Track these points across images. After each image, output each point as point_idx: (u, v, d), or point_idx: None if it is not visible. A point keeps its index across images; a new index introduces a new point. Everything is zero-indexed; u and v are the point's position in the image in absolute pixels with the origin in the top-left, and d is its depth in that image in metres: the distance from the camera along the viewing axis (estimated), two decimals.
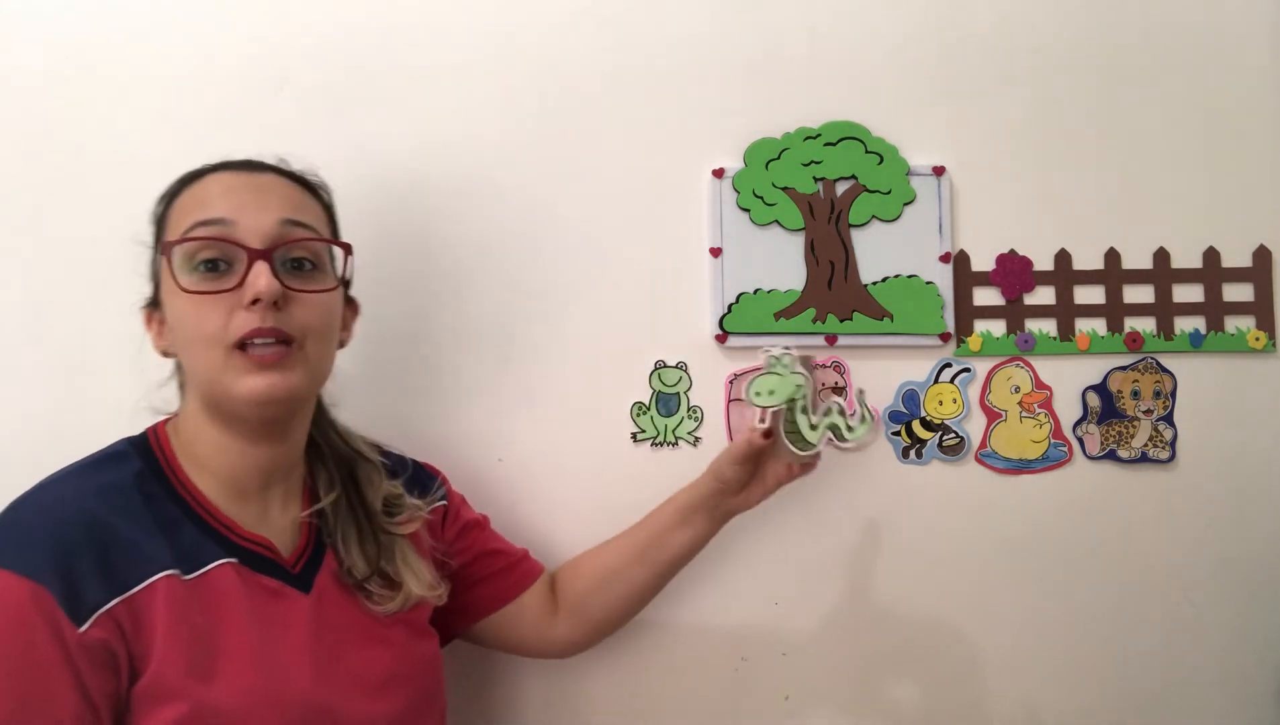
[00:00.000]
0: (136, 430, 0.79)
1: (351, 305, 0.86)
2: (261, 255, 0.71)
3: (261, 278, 0.70)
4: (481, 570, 0.93)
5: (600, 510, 1.05)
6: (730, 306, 1.05)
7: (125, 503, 0.69)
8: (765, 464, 0.91)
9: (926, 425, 1.06)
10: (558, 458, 1.05)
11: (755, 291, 1.05)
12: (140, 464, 0.73)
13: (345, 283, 0.82)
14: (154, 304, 0.77)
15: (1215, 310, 1.07)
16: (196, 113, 1.05)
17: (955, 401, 1.06)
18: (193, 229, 0.71)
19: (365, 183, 1.03)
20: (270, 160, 0.81)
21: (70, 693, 0.61)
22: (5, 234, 1.05)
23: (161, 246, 0.74)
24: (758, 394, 0.86)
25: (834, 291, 1.06)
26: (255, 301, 0.69)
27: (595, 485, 1.05)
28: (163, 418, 0.80)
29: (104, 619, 0.63)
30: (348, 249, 0.82)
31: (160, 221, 0.77)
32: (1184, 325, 1.07)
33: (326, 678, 0.71)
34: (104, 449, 0.75)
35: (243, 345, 0.70)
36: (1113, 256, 1.08)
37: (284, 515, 0.78)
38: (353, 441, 0.87)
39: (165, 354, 0.77)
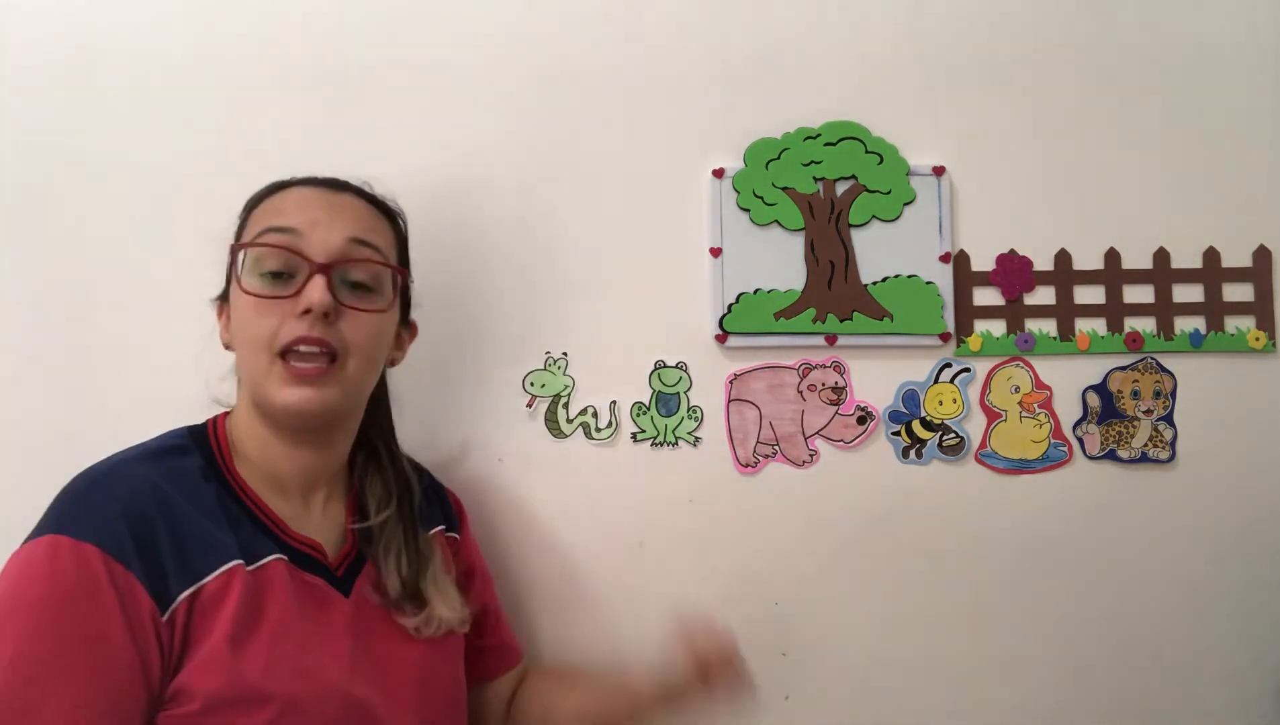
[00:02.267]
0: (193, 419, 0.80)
1: (409, 326, 0.90)
2: (322, 269, 0.74)
3: (316, 290, 0.73)
4: (477, 636, 0.90)
5: (600, 510, 1.05)
6: (730, 306, 1.05)
7: (195, 490, 0.71)
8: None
9: (926, 425, 1.06)
10: (558, 458, 1.05)
11: (755, 291, 1.05)
12: (200, 458, 0.74)
13: (405, 304, 0.86)
14: (224, 298, 0.80)
15: (1215, 310, 1.07)
16: (196, 113, 1.05)
17: (955, 401, 1.06)
18: (263, 234, 0.75)
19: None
20: (354, 182, 0.83)
21: (134, 673, 0.62)
22: (3, 235, 1.05)
23: (232, 246, 0.78)
24: (532, 384, 1.04)
25: (834, 291, 1.06)
26: (306, 311, 0.72)
27: (595, 485, 1.05)
28: (223, 411, 0.82)
29: (181, 605, 0.65)
30: (405, 274, 0.85)
31: (241, 224, 0.80)
32: (1184, 325, 1.07)
33: (365, 676, 0.73)
34: (161, 438, 0.76)
35: (285, 353, 0.72)
36: (1113, 256, 1.08)
37: (325, 518, 0.80)
38: (404, 461, 0.90)
39: (227, 347, 0.80)
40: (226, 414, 0.81)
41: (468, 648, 0.88)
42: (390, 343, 0.83)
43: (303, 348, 0.72)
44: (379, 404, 0.88)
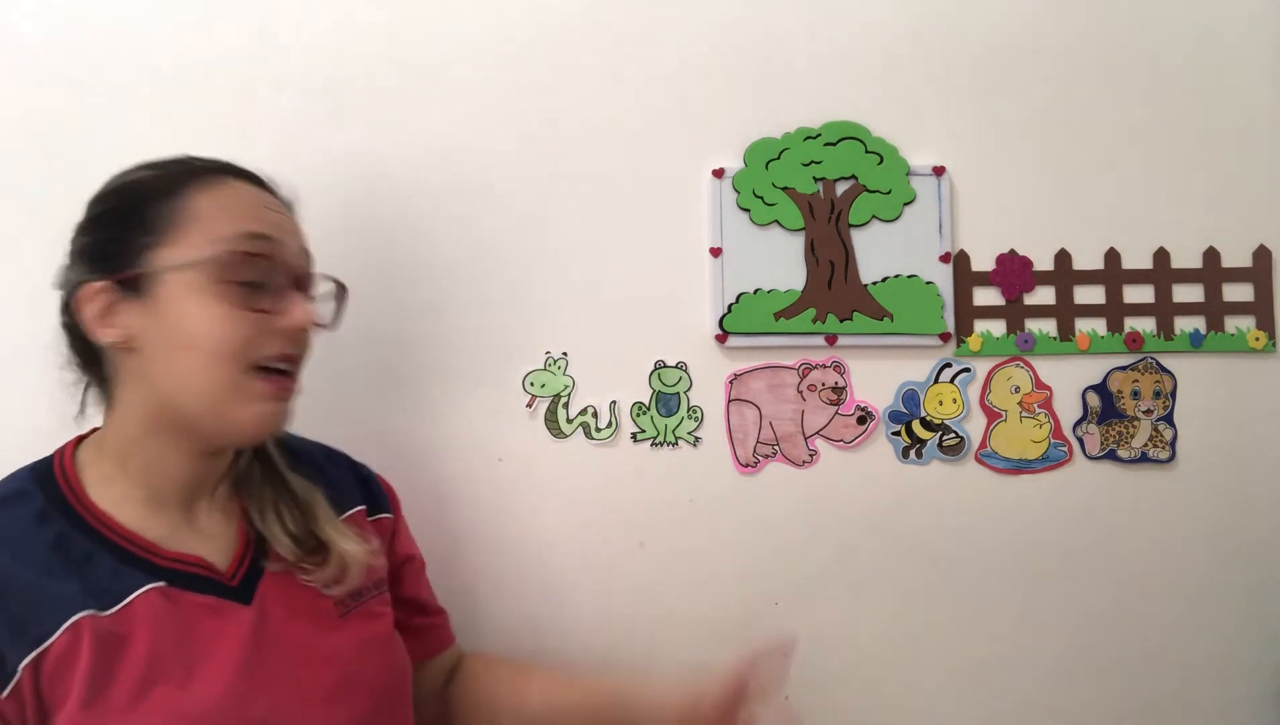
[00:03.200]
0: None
1: None
2: (300, 283, 0.72)
3: (306, 307, 0.71)
4: (403, 618, 0.84)
5: (600, 510, 1.05)
6: (730, 306, 1.05)
7: (26, 548, 0.64)
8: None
9: (926, 425, 1.06)
10: (558, 458, 1.05)
11: (755, 291, 1.05)
12: (41, 499, 0.67)
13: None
14: (124, 285, 0.67)
15: (1215, 310, 1.07)
16: (195, 114, 1.05)
17: (955, 401, 1.06)
18: (244, 240, 0.68)
19: (365, 183, 1.03)
20: (261, 176, 0.77)
21: None
22: (3, 235, 1.05)
23: (180, 238, 0.67)
24: (532, 384, 1.03)
25: (834, 291, 1.06)
26: (298, 328, 0.70)
27: (595, 485, 1.05)
28: (72, 436, 0.75)
29: (25, 675, 0.59)
30: (345, 292, 0.80)
31: (168, 207, 0.69)
32: (1184, 325, 1.07)
33: (267, 691, 0.67)
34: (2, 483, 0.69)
35: (261, 368, 0.69)
36: (1113, 256, 1.08)
37: (211, 525, 0.73)
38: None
39: (111, 345, 0.68)
40: (80, 438, 0.73)
41: (410, 628, 0.83)
42: None
43: (282, 364, 0.70)
44: None
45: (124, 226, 0.68)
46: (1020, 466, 1.06)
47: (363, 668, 0.74)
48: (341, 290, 0.79)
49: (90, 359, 0.72)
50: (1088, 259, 1.08)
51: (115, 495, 0.69)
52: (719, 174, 1.06)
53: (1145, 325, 1.07)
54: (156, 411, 0.68)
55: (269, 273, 0.70)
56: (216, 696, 0.64)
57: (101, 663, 0.61)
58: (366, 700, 0.73)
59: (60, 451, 0.72)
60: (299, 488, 0.77)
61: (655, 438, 1.06)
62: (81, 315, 0.68)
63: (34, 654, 0.60)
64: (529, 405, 1.05)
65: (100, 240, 0.69)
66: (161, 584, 0.66)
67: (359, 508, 0.84)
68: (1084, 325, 1.07)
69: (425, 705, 0.87)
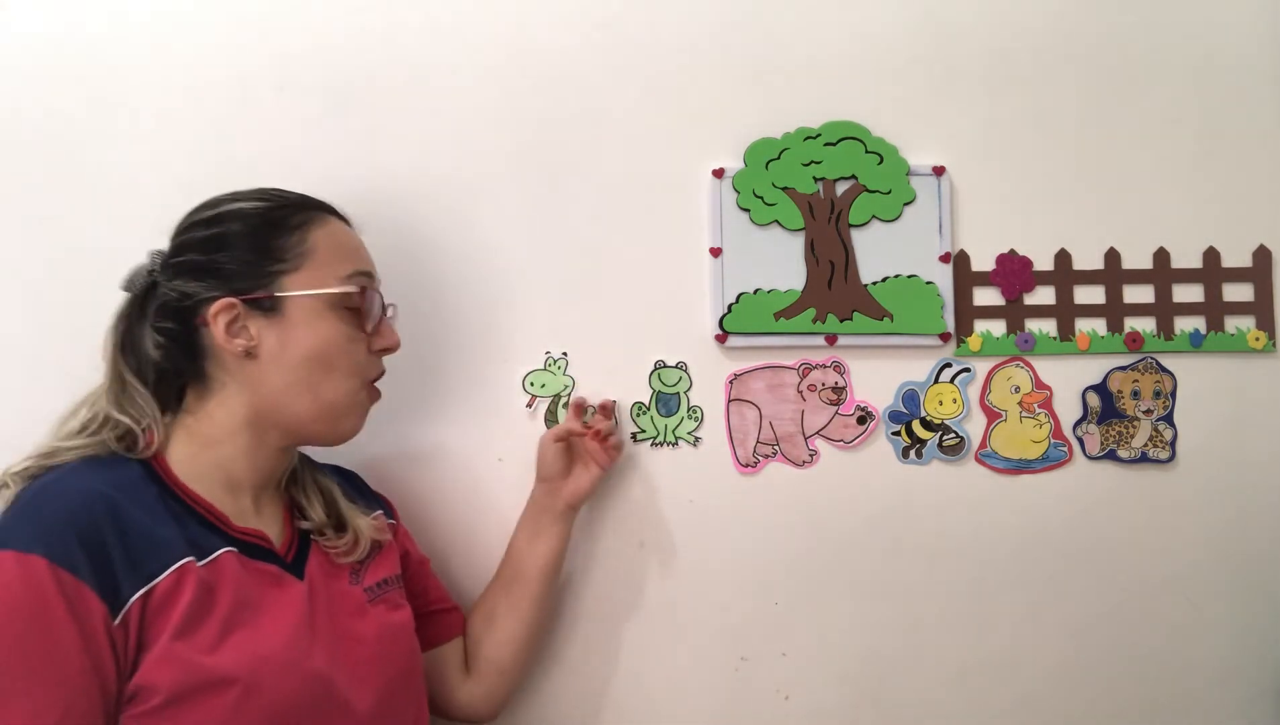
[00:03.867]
0: None
1: None
2: (386, 310, 0.87)
3: (394, 332, 0.87)
4: (422, 604, 0.94)
5: (600, 510, 1.05)
6: (730, 306, 1.05)
7: (140, 494, 0.72)
8: (581, 448, 0.99)
9: (926, 425, 1.06)
10: None
11: (755, 291, 1.05)
12: (138, 467, 0.75)
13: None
14: (252, 303, 0.78)
15: (1215, 310, 1.07)
16: (196, 115, 1.05)
17: (955, 401, 1.06)
18: (359, 277, 0.83)
19: (366, 183, 1.03)
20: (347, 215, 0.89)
21: (89, 680, 0.64)
22: (3, 235, 1.05)
23: (305, 267, 0.80)
24: (532, 384, 1.05)
25: (834, 291, 1.06)
26: (386, 351, 0.86)
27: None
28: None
29: (134, 607, 0.66)
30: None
31: (290, 241, 0.80)
32: (1184, 325, 1.07)
33: (324, 651, 0.75)
34: (93, 454, 0.76)
35: (368, 382, 0.85)
36: (1113, 256, 1.08)
37: (268, 513, 0.83)
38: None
39: (234, 353, 0.78)
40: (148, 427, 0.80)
41: (417, 617, 0.90)
42: None
43: (375, 383, 0.87)
44: None
45: (254, 251, 0.79)
46: (1020, 466, 1.06)
47: (387, 649, 0.82)
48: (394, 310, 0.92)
49: (192, 359, 0.80)
50: (1088, 259, 1.08)
51: (194, 473, 0.77)
52: (719, 174, 1.06)
53: (1145, 325, 1.07)
54: (259, 411, 0.79)
55: (371, 302, 0.84)
56: (284, 643, 0.72)
57: (196, 605, 0.68)
58: (389, 678, 0.81)
59: (140, 431, 0.79)
60: (324, 481, 0.90)
61: (655, 438, 1.06)
62: (214, 325, 0.77)
63: (144, 589, 0.67)
64: (529, 405, 1.05)
65: (230, 261, 0.79)
66: (234, 549, 0.75)
67: (378, 512, 0.93)
68: (1084, 325, 1.07)
69: (443, 694, 0.95)
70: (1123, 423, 1.07)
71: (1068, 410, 1.07)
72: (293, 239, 0.80)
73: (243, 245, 0.79)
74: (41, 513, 0.67)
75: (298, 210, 0.83)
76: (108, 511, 0.68)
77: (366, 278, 0.84)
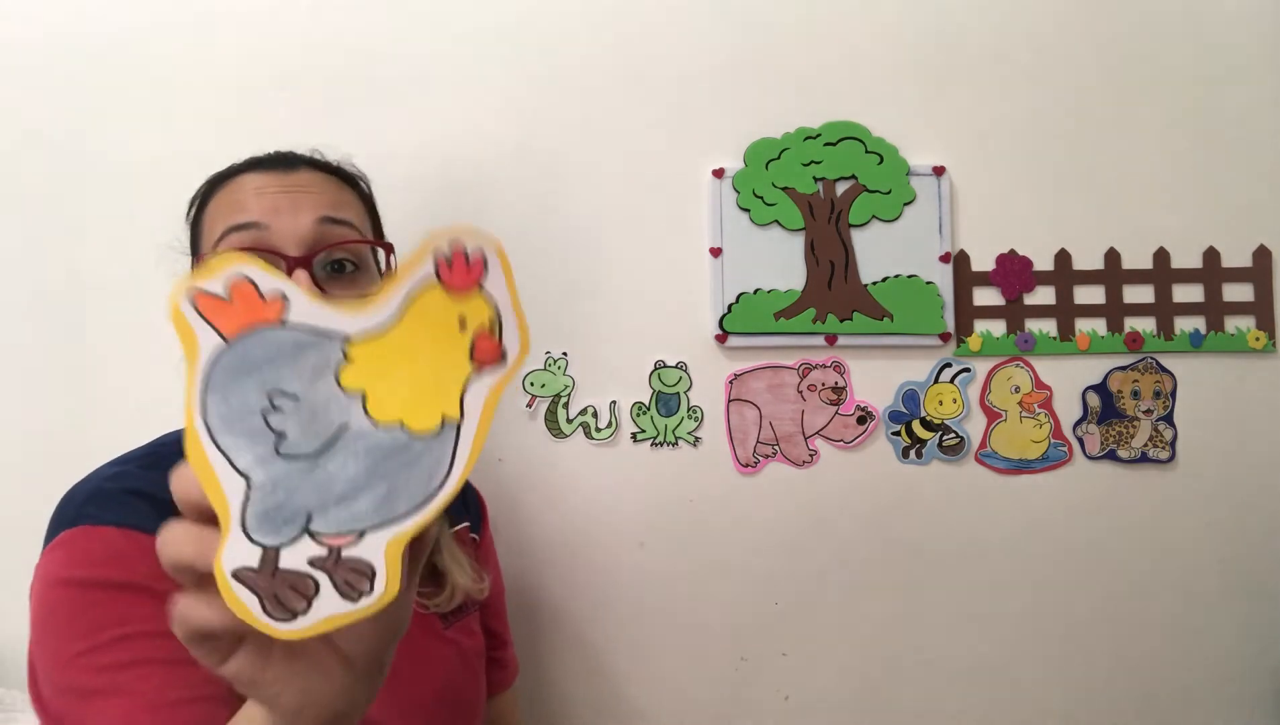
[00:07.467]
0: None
1: None
2: (300, 262, 0.67)
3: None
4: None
5: (600, 510, 1.05)
6: (730, 306, 1.05)
7: None
8: None
9: (926, 425, 1.06)
10: (558, 458, 1.05)
11: (755, 291, 1.05)
12: None
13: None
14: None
15: (1215, 310, 1.07)
16: (196, 113, 1.05)
17: (955, 401, 1.06)
18: (225, 236, 0.68)
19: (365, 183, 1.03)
20: (304, 152, 0.77)
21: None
22: (4, 234, 1.05)
23: (196, 256, 0.72)
24: (532, 384, 1.04)
25: (834, 291, 1.06)
26: None
27: (595, 485, 1.05)
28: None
29: None
30: (389, 249, 0.77)
31: (195, 226, 0.74)
32: (1184, 325, 1.07)
33: (386, 698, 0.69)
34: (151, 443, 0.71)
35: None
36: (1113, 256, 1.08)
37: None
38: None
39: None
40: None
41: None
42: None
43: None
44: None
45: (193, 253, 0.74)
46: (1020, 466, 1.06)
47: (460, 680, 0.77)
48: (382, 252, 0.76)
49: None
50: (1088, 259, 1.08)
51: None
52: (719, 174, 1.06)
53: (1145, 325, 1.07)
54: None
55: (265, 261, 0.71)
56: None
57: None
58: (457, 710, 0.75)
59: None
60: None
61: (655, 438, 1.06)
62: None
63: None
64: (529, 405, 1.05)
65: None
66: None
67: (463, 524, 0.85)
68: (1084, 325, 1.07)
69: None
70: (1123, 423, 1.07)
71: (1068, 410, 1.07)
72: (195, 224, 0.74)
73: (193, 250, 0.74)
74: (100, 496, 0.63)
75: (205, 189, 0.75)
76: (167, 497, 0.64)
77: (236, 232, 0.67)
